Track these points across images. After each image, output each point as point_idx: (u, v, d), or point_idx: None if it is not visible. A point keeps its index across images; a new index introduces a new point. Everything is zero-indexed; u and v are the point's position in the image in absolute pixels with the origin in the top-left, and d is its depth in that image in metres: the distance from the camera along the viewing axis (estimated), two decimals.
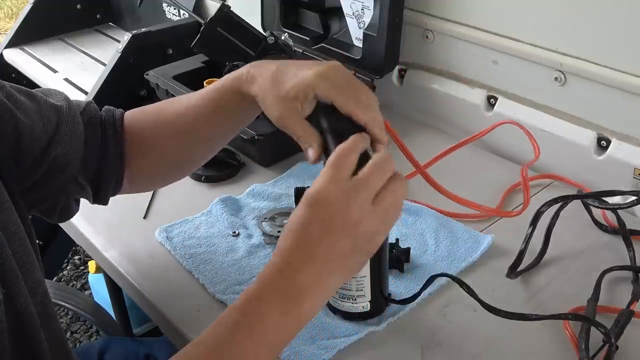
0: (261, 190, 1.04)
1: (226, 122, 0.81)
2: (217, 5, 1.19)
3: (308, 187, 0.66)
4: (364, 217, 0.60)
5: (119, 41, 1.70)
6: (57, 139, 0.72)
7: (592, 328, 0.74)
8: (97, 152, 0.78)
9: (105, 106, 0.82)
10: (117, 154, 0.79)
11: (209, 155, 0.86)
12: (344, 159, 0.62)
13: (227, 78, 0.76)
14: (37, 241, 1.82)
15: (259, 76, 0.72)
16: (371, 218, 0.60)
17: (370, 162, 0.62)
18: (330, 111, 0.67)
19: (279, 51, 1.16)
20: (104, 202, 0.82)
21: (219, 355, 0.58)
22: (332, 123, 0.68)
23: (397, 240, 0.88)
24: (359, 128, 0.66)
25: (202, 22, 1.14)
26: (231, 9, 1.15)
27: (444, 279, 0.84)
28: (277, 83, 0.70)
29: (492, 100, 1.16)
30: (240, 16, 1.17)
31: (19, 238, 0.62)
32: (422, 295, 0.82)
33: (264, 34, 1.17)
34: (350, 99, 0.68)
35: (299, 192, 0.73)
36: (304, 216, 0.60)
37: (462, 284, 0.76)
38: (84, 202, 0.87)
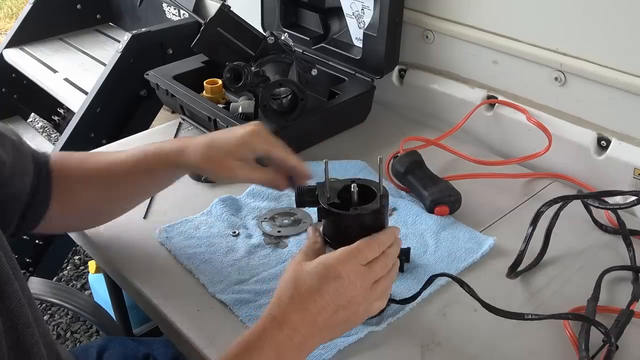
0: (261, 190, 1.04)
1: (148, 184, 0.88)
2: (217, 5, 1.20)
3: (311, 186, 0.73)
4: (365, 298, 0.69)
5: (119, 41, 1.70)
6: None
7: (592, 328, 0.74)
8: (28, 193, 0.78)
9: (41, 151, 0.83)
10: (44, 197, 0.80)
11: (128, 209, 0.91)
12: (370, 250, 0.70)
13: (152, 148, 0.84)
14: (37, 241, 1.82)
15: (190, 147, 0.83)
16: (369, 298, 0.69)
17: (385, 257, 0.71)
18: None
19: (279, 51, 1.16)
20: (16, 238, 0.82)
21: None
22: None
23: None
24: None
25: (202, 22, 1.14)
26: (231, 9, 1.15)
27: (444, 279, 0.84)
28: (216, 149, 0.82)
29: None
30: (241, 16, 1.17)
31: (4, 240, 0.63)
32: (422, 295, 0.82)
33: (264, 34, 1.17)
34: (279, 148, 0.84)
35: (301, 191, 0.76)
36: (316, 284, 0.67)
37: (462, 284, 0.76)
38: None
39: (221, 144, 0.83)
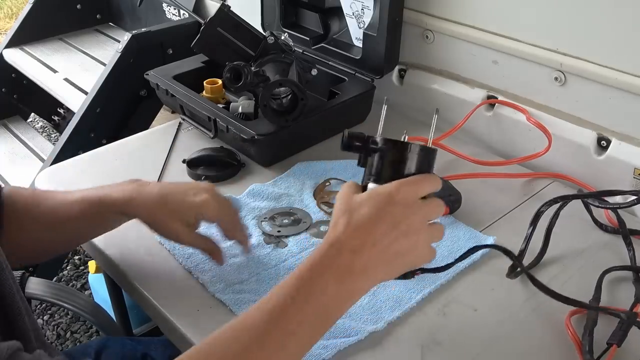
0: (261, 190, 1.04)
1: (93, 229, 0.89)
2: (217, 5, 1.19)
3: (359, 133, 0.72)
4: (424, 228, 0.66)
5: (119, 41, 1.70)
6: None
7: (594, 329, 0.74)
8: None
9: None
10: None
11: (71, 249, 0.92)
12: (427, 183, 0.68)
13: (100, 194, 0.83)
14: None
15: (139, 199, 0.82)
16: (427, 230, 0.67)
17: (437, 199, 0.69)
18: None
19: (279, 51, 1.16)
20: None
21: (274, 324, 0.59)
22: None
23: None
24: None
25: (202, 22, 1.14)
26: (231, 9, 1.15)
27: (444, 279, 0.84)
28: (165, 210, 0.83)
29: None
30: (241, 16, 1.17)
31: None
32: (422, 295, 0.82)
33: (264, 34, 1.17)
34: (228, 220, 0.87)
35: (351, 134, 0.73)
36: (373, 211, 0.64)
37: (507, 253, 0.77)
38: None
39: (172, 206, 0.83)
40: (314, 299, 0.61)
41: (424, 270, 0.80)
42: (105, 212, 0.84)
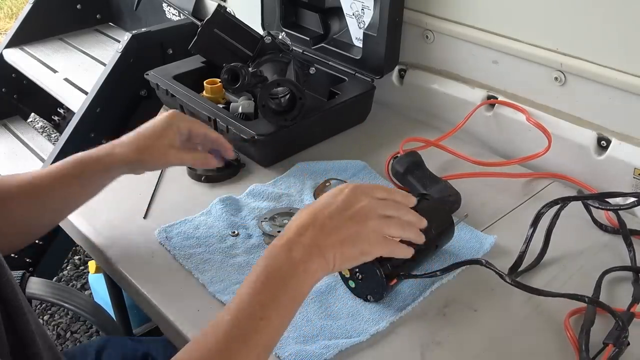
0: (261, 190, 1.04)
1: (77, 191, 0.87)
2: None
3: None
4: (374, 212, 0.70)
5: (119, 41, 1.70)
6: None
7: (592, 329, 0.74)
8: None
9: None
10: None
11: (58, 221, 0.92)
12: (383, 191, 0.73)
13: (79, 156, 0.86)
14: (37, 241, 1.82)
15: (118, 146, 0.87)
16: (379, 217, 0.70)
17: (397, 203, 0.74)
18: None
19: (277, 51, 1.16)
20: None
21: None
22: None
23: None
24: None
25: (199, 23, 1.14)
26: (227, 9, 1.15)
27: (444, 279, 0.85)
28: (145, 139, 0.88)
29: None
30: (240, 16, 1.17)
31: None
32: (423, 294, 0.82)
33: (262, 34, 1.17)
34: (199, 125, 0.94)
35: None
36: (327, 197, 0.70)
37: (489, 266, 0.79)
38: (83, 203, 0.87)
39: (148, 133, 0.88)
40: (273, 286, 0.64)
41: (418, 276, 0.81)
42: (89, 169, 0.85)
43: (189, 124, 0.92)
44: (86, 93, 1.71)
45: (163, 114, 0.91)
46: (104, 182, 0.88)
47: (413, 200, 0.76)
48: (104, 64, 1.83)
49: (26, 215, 0.83)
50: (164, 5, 1.84)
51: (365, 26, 1.24)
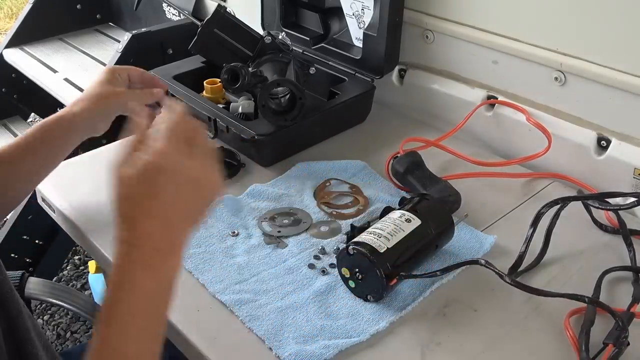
0: (261, 190, 1.04)
1: (46, 155, 0.92)
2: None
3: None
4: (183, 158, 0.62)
5: (119, 41, 1.70)
6: None
7: (592, 329, 0.74)
8: None
9: None
10: None
11: (32, 189, 0.97)
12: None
13: (38, 124, 0.92)
14: (37, 241, 1.83)
15: (74, 105, 0.94)
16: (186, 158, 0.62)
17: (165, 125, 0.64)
18: None
19: (277, 51, 1.16)
20: None
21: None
22: None
23: None
24: None
25: (199, 23, 1.14)
26: (227, 9, 1.15)
27: (444, 279, 0.85)
28: (94, 89, 0.96)
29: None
30: (240, 16, 1.17)
31: None
32: (422, 295, 0.82)
33: (262, 34, 1.17)
34: (134, 69, 1.01)
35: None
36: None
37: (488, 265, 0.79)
38: (84, 203, 0.87)
39: (95, 85, 0.96)
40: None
41: (418, 276, 0.81)
42: (51, 133, 0.90)
43: (126, 69, 1.00)
44: None
45: (103, 70, 1.00)
46: (71, 141, 0.93)
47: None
48: (104, 64, 1.83)
49: (1, 188, 0.86)
50: (164, 5, 1.84)
51: (365, 26, 1.24)
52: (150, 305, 0.60)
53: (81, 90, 1.80)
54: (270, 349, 0.76)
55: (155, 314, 0.61)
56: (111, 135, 1.70)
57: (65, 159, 0.96)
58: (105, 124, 0.99)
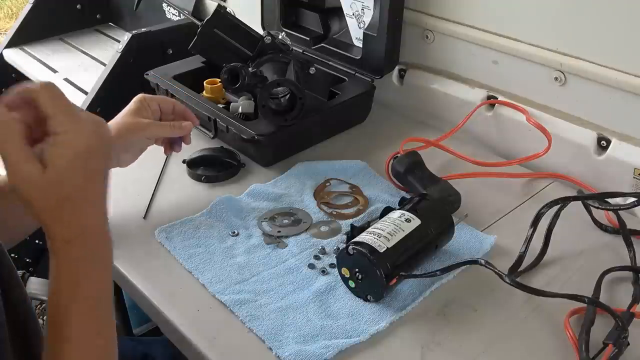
0: (261, 190, 1.04)
1: None
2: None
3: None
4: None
5: (119, 41, 1.70)
6: None
7: (592, 329, 0.74)
8: None
9: None
10: None
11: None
12: None
13: None
14: (38, 241, 1.82)
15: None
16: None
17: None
18: None
19: (277, 51, 1.16)
20: None
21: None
22: None
23: None
24: None
25: (199, 23, 1.14)
26: (227, 9, 1.15)
27: (444, 279, 0.85)
28: (121, 119, 0.92)
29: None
30: (240, 16, 1.17)
31: None
32: (422, 295, 0.82)
33: (261, 34, 1.17)
34: (167, 99, 0.99)
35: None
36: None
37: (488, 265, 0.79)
38: None
39: (122, 115, 0.92)
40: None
41: (418, 276, 0.81)
42: None
43: (157, 100, 0.96)
44: (86, 93, 1.71)
45: (133, 99, 0.95)
46: None
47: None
48: (104, 64, 1.83)
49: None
50: (164, 5, 1.84)
51: (365, 26, 1.24)
52: (108, 291, 0.62)
53: (81, 90, 1.80)
54: (270, 349, 0.76)
55: (109, 293, 0.62)
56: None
57: None
58: (130, 157, 0.95)
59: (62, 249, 0.59)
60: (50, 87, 0.56)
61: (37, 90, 0.55)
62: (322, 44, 1.32)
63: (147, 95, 0.95)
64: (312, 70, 1.21)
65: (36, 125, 0.56)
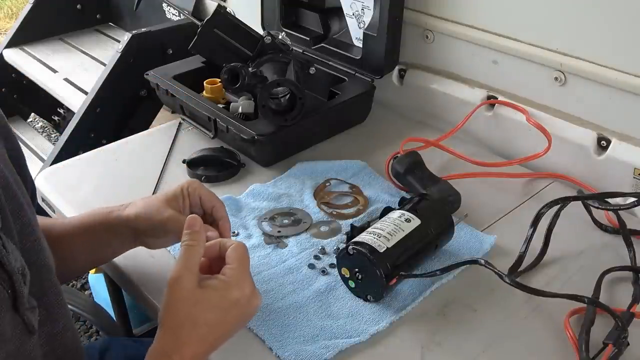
0: (261, 190, 1.04)
1: (98, 250, 0.85)
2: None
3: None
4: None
5: (119, 41, 1.70)
6: None
7: (592, 329, 0.74)
8: None
9: None
10: None
11: (80, 274, 0.91)
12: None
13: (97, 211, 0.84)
14: None
15: (131, 204, 0.84)
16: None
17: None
18: None
19: (277, 51, 1.16)
20: None
21: None
22: None
23: None
24: None
25: (199, 23, 1.14)
26: (227, 9, 1.15)
27: (444, 279, 0.85)
28: (154, 198, 0.84)
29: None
30: (240, 16, 1.17)
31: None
32: (422, 295, 0.82)
33: (261, 34, 1.17)
34: (211, 197, 0.84)
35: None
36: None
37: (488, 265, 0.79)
38: (84, 203, 0.87)
39: (158, 194, 0.85)
40: None
41: (418, 276, 0.81)
42: (100, 223, 0.83)
43: (202, 193, 0.84)
44: (86, 93, 1.72)
45: (183, 183, 0.85)
46: (111, 241, 0.84)
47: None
48: (104, 64, 1.83)
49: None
50: (164, 5, 1.84)
51: (365, 26, 1.24)
52: None
53: (82, 90, 1.80)
54: (271, 349, 0.76)
55: None
56: (111, 135, 1.71)
57: (65, 160, 0.93)
58: (159, 245, 0.88)
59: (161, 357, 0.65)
60: (242, 249, 0.71)
61: (231, 248, 0.70)
62: (322, 44, 1.32)
63: (196, 184, 0.84)
64: (312, 70, 1.21)
65: (212, 267, 0.71)
